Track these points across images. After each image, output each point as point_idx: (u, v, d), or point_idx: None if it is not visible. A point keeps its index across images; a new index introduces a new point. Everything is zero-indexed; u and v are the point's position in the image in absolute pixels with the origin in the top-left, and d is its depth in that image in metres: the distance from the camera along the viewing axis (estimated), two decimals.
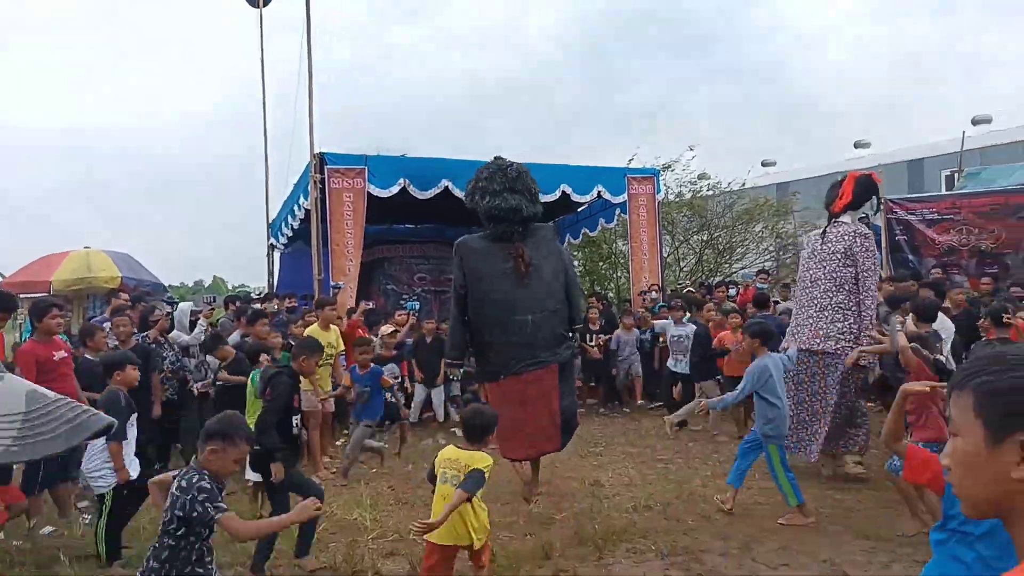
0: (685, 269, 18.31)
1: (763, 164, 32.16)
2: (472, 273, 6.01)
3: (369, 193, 10.01)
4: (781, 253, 18.83)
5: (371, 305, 9.82)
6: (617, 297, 15.96)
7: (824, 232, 6.42)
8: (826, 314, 6.16)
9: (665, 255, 15.41)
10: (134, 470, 4.77)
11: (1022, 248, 10.92)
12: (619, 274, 17.93)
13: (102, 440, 4.57)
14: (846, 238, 6.18)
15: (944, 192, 15.86)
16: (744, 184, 19.33)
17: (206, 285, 50.01)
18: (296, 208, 11.34)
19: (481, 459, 3.73)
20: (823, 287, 6.24)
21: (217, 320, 9.00)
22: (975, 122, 28.47)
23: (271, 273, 15.10)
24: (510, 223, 5.96)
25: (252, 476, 5.54)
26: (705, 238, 18.10)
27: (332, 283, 9.44)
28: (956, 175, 14.82)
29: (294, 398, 4.88)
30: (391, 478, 6.82)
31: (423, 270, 14.83)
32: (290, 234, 12.83)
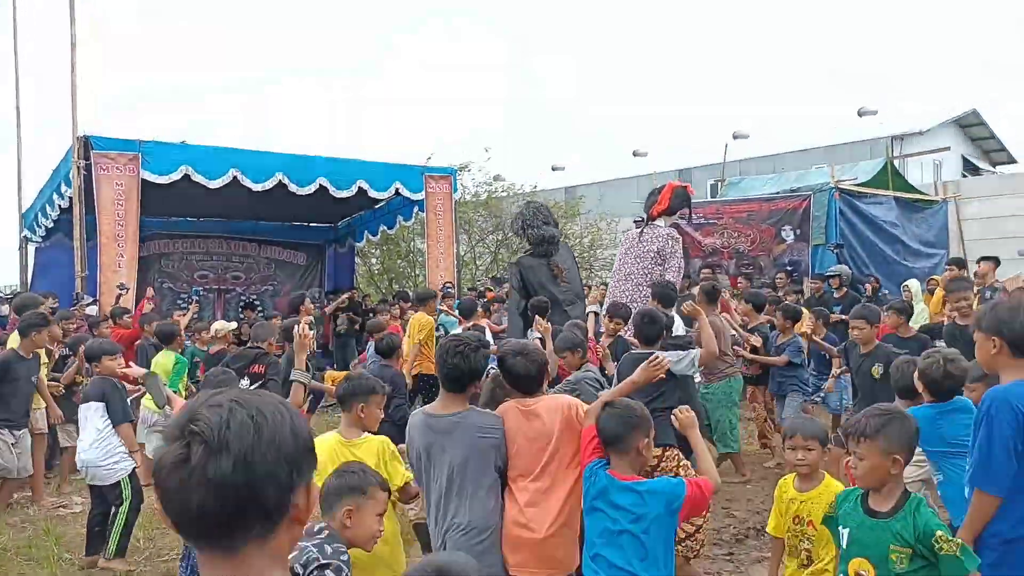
0: (481, 268, 18.71)
1: (553, 169, 33.58)
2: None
3: (145, 181, 9.19)
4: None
5: (153, 299, 9.05)
6: None
7: (641, 232, 7.06)
8: (635, 306, 6.55)
9: (461, 254, 15.64)
10: None
11: (772, 251, 12.37)
12: (417, 272, 17.94)
13: (104, 426, 4.48)
14: (659, 239, 6.89)
15: (709, 199, 17.54)
16: (536, 187, 20.11)
17: None
18: (56, 196, 10.16)
19: None
20: (635, 281, 6.85)
21: None
22: (736, 136, 31.67)
23: (24, 269, 13.37)
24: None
25: None
26: (500, 238, 18.59)
27: (117, 284, 8.53)
28: (719, 184, 16.46)
29: None
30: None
31: (205, 267, 13.88)
32: (49, 225, 11.45)
